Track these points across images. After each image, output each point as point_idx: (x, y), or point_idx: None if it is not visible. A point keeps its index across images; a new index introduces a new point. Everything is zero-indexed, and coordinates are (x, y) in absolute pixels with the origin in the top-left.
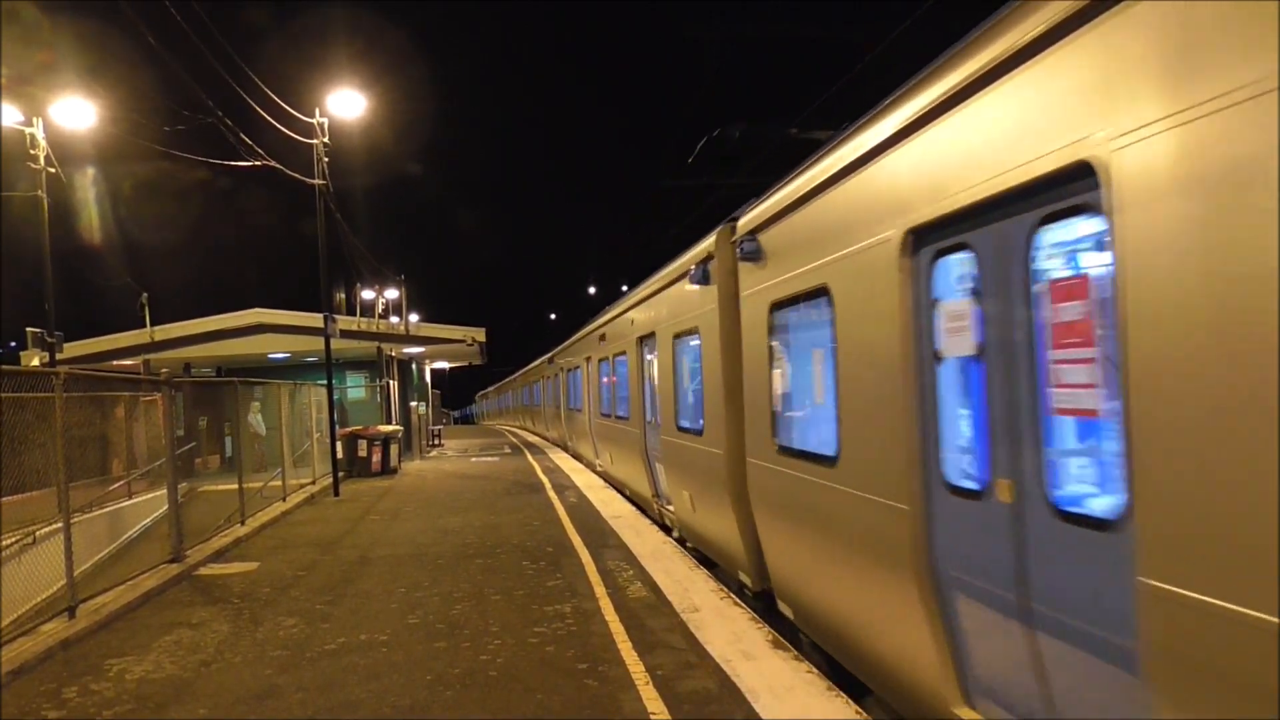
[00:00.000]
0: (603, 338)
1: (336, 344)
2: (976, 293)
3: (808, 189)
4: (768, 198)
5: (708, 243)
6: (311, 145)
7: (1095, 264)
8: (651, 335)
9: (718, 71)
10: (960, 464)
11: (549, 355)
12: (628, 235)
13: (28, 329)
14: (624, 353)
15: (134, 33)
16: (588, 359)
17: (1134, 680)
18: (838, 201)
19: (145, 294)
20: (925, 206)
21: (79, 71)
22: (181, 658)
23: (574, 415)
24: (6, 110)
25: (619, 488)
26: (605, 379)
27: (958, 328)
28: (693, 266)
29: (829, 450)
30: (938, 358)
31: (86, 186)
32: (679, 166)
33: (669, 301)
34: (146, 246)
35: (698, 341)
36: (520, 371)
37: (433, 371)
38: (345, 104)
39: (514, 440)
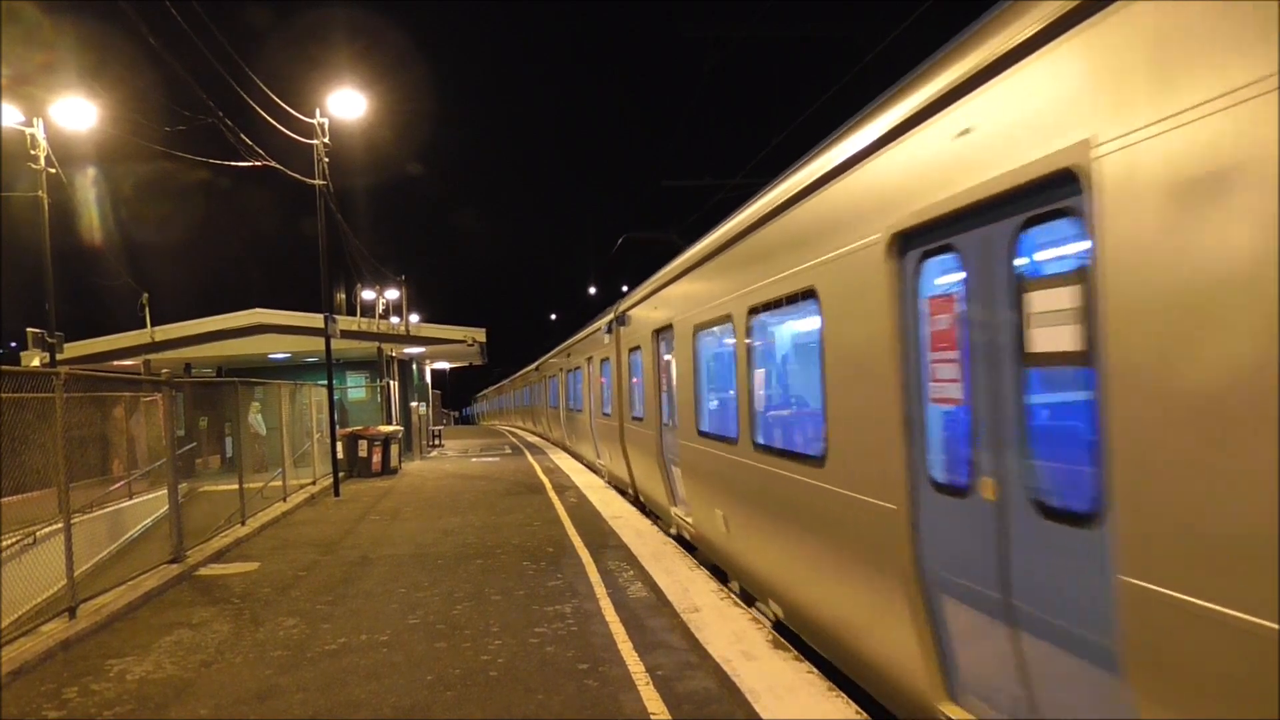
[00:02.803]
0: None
1: (337, 344)
2: (664, 361)
3: (651, 289)
4: (633, 296)
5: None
6: (312, 145)
7: (605, 361)
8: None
9: (717, 71)
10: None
11: (540, 361)
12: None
13: (28, 329)
14: (604, 360)
15: (134, 32)
16: (560, 370)
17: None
18: (613, 338)
19: (146, 294)
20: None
21: (79, 71)
22: (182, 658)
23: (572, 413)
24: (7, 110)
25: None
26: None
27: (666, 365)
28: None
29: (639, 413)
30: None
31: (87, 187)
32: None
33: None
34: (147, 247)
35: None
36: (520, 373)
37: (433, 372)
38: (345, 104)
39: (514, 440)
